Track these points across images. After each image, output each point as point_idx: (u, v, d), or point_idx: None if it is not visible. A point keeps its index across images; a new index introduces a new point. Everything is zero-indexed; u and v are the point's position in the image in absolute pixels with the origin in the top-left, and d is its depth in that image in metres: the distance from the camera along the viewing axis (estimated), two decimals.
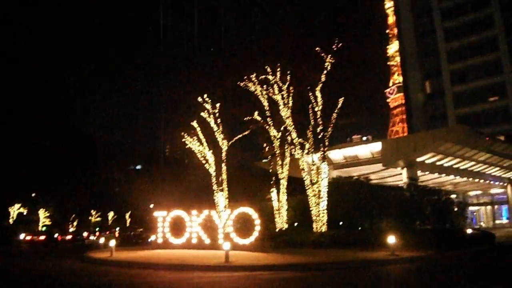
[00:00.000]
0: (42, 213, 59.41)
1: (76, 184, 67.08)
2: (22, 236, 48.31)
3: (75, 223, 70.89)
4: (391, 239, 16.40)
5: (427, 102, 64.02)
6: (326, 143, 22.54)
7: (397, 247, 16.62)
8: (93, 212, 74.93)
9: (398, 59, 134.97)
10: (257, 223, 18.99)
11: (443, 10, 60.59)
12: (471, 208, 50.52)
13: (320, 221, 21.49)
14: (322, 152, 22.33)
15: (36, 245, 47.06)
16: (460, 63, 57.92)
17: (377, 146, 31.49)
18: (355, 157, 32.31)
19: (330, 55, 22.54)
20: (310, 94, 23.04)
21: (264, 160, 33.04)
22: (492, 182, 44.10)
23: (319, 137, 22.69)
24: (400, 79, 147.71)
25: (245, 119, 25.88)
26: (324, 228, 21.45)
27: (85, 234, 63.01)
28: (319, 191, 21.60)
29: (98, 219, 76.58)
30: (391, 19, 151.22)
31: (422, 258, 16.37)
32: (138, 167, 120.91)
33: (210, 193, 28.41)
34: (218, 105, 26.23)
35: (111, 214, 79.94)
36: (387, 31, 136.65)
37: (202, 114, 26.64)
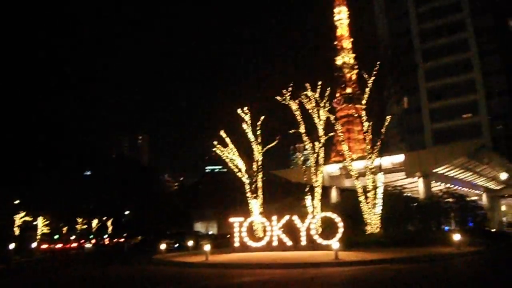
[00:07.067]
0: (41, 221, 58.59)
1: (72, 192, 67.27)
2: (34, 245, 47.85)
3: (63, 231, 70.32)
4: (457, 237, 20.25)
5: (404, 116, 69.95)
6: (380, 154, 26.25)
7: (460, 244, 20.38)
8: (79, 220, 74.30)
9: (346, 71, 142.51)
10: (340, 226, 21.94)
11: (422, 31, 66.96)
12: None
13: (374, 225, 25.07)
14: (371, 162, 25.93)
15: (54, 253, 47.84)
16: (437, 82, 64.30)
17: (398, 158, 36.02)
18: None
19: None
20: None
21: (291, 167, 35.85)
22: (471, 190, 49.88)
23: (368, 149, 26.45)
24: (349, 90, 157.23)
25: (290, 131, 28.76)
26: (377, 231, 25.02)
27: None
28: (374, 197, 25.17)
29: (84, 226, 75.95)
30: (339, 32, 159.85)
31: (480, 252, 20.38)
32: None
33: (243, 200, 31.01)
34: (262, 117, 28.73)
35: (95, 222, 79.27)
36: (335, 43, 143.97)
37: (243, 125, 29.06)
